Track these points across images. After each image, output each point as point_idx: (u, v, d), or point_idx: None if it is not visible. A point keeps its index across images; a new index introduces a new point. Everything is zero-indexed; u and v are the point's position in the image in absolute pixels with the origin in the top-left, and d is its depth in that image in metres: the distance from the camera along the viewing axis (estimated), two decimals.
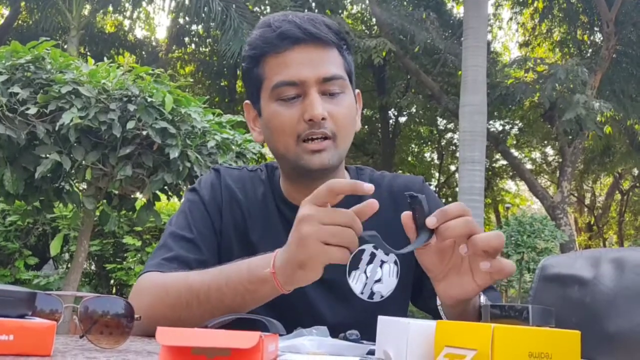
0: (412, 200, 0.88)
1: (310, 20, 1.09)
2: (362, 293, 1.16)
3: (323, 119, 1.06)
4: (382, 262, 1.18)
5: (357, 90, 1.21)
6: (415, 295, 1.23)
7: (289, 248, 0.87)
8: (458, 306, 0.94)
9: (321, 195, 0.85)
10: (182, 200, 1.28)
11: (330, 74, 1.08)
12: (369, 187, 0.84)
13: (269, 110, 1.11)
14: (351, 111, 1.13)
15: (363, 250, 1.18)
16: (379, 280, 1.17)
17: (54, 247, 4.99)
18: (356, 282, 1.16)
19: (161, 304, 0.99)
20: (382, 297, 1.17)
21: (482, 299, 1.01)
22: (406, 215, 0.89)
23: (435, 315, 1.16)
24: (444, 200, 1.34)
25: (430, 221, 0.85)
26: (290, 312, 1.08)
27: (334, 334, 0.90)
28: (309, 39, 1.07)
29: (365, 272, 1.17)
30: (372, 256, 1.18)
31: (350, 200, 1.19)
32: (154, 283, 1.04)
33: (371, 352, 0.83)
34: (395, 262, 1.19)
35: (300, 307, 1.12)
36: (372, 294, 1.16)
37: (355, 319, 1.12)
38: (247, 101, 1.20)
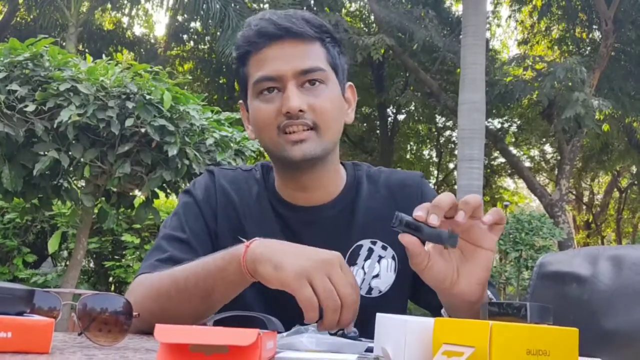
0: (400, 223, 0.84)
1: (287, 17, 1.11)
2: (360, 289, 1.16)
3: (301, 111, 1.08)
4: (380, 257, 1.18)
5: (349, 83, 1.22)
6: (415, 291, 1.23)
7: (283, 258, 0.88)
8: (484, 291, 0.92)
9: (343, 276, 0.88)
10: (177, 201, 1.28)
11: (306, 67, 1.09)
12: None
13: (253, 107, 1.13)
14: (334, 102, 1.13)
15: (361, 246, 1.18)
16: (376, 276, 1.17)
17: (52, 244, 4.98)
18: None
19: (150, 301, 1.00)
20: (380, 292, 1.17)
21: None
22: (409, 241, 0.85)
23: (434, 312, 1.17)
24: (437, 194, 1.32)
25: (433, 219, 0.83)
26: (288, 309, 1.08)
27: (340, 330, 0.90)
28: (285, 35, 1.10)
29: (363, 268, 1.17)
30: (370, 251, 1.18)
31: (345, 201, 1.20)
32: (144, 283, 1.05)
33: (369, 350, 0.83)
34: (393, 258, 1.19)
35: (297, 304, 1.13)
36: (370, 289, 1.17)
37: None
38: (240, 102, 1.23)
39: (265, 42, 1.10)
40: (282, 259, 0.87)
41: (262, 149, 4.73)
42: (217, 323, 0.85)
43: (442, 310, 0.99)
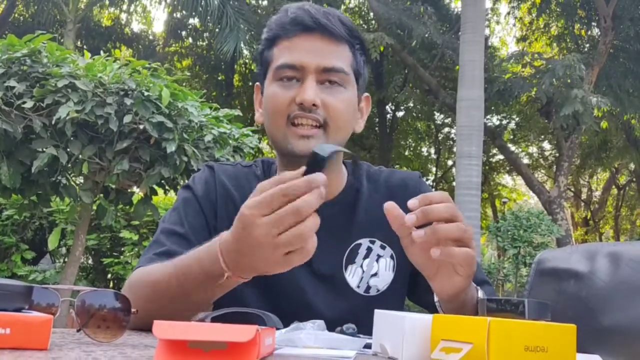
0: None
1: (325, 13, 1.11)
2: (358, 287, 1.17)
3: (314, 105, 1.08)
4: (379, 256, 1.18)
5: (366, 94, 1.22)
6: (411, 289, 1.24)
7: (243, 252, 0.83)
8: (454, 301, 0.95)
9: (272, 201, 0.78)
10: (177, 196, 1.28)
11: (331, 65, 1.10)
12: (322, 179, 0.78)
13: (269, 90, 1.13)
14: (349, 106, 1.13)
15: (360, 245, 1.18)
16: (375, 275, 1.18)
17: (52, 241, 4.98)
18: (352, 276, 1.17)
19: (142, 298, 0.98)
20: (378, 291, 1.17)
21: (480, 293, 1.01)
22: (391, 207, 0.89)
23: (432, 310, 1.17)
24: None
25: (412, 203, 0.86)
26: (286, 306, 1.08)
27: (330, 327, 0.90)
28: (318, 29, 1.10)
29: (361, 266, 1.17)
30: (369, 250, 1.18)
31: (346, 200, 1.20)
32: (139, 278, 1.05)
33: (368, 346, 0.84)
34: (392, 257, 1.19)
35: (296, 300, 1.13)
36: (368, 287, 1.17)
37: (351, 312, 1.13)
38: (257, 83, 1.23)
39: (297, 31, 1.10)
40: (249, 249, 0.83)
41: (260, 146, 4.73)
42: (215, 320, 0.85)
43: (436, 298, 1.01)
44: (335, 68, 1.10)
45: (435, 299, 1.01)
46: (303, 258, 0.81)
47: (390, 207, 0.89)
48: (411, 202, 0.86)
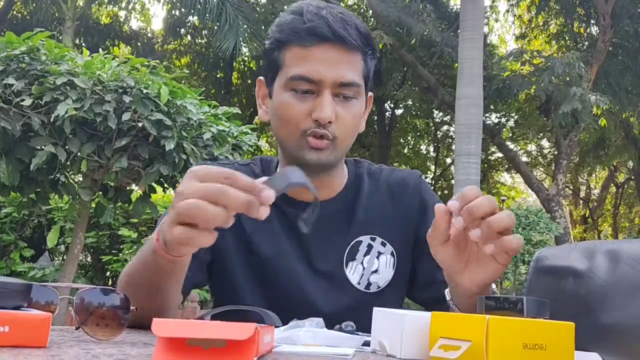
0: None
1: (342, 21, 1.08)
2: (359, 284, 1.17)
3: (330, 122, 1.07)
4: (379, 253, 1.19)
5: (370, 93, 1.21)
6: (410, 287, 1.24)
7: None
8: (483, 292, 0.92)
9: (214, 177, 0.75)
10: (173, 196, 1.27)
11: (347, 80, 1.08)
12: (270, 197, 0.74)
13: (281, 98, 1.11)
14: (358, 118, 1.14)
15: (360, 242, 1.19)
16: (375, 271, 1.18)
17: (51, 239, 4.98)
18: (353, 273, 1.17)
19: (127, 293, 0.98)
20: (378, 287, 1.18)
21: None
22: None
23: (429, 307, 1.17)
24: (439, 193, 1.34)
25: (453, 204, 0.83)
26: (286, 302, 1.08)
27: (331, 324, 0.90)
28: (336, 40, 1.07)
29: (362, 263, 1.18)
30: (369, 247, 1.19)
31: (347, 198, 1.20)
32: (123, 274, 1.04)
33: (367, 344, 0.84)
34: (392, 254, 1.20)
35: (297, 297, 1.13)
36: (368, 284, 1.17)
37: (352, 309, 1.13)
38: (261, 78, 1.20)
39: (313, 41, 1.07)
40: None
41: (259, 144, 4.72)
42: (214, 317, 0.85)
43: (446, 291, 1.00)
44: (351, 83, 1.09)
45: (448, 297, 0.99)
46: (189, 239, 0.75)
47: (440, 209, 0.86)
48: (451, 203, 0.84)
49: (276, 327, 0.79)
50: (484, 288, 0.92)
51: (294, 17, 1.10)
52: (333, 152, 1.10)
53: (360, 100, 1.13)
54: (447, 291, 1.00)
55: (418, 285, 1.22)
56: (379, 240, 1.19)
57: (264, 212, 0.73)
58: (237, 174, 0.74)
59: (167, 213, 1.17)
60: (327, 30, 1.06)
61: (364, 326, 0.90)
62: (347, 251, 1.17)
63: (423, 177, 1.31)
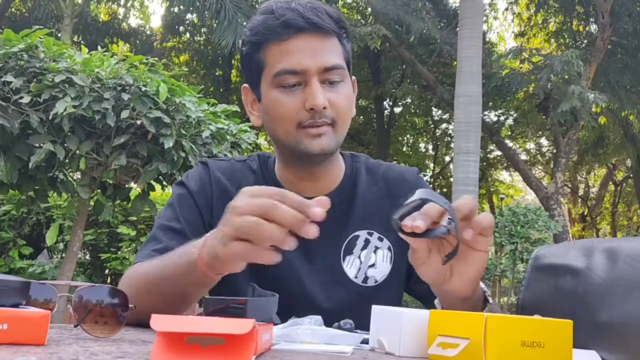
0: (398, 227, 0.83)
1: (313, 9, 1.09)
2: (356, 277, 1.18)
3: (324, 107, 1.08)
4: (376, 247, 1.20)
5: (353, 77, 1.22)
6: (407, 281, 1.24)
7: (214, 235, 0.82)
8: (476, 289, 0.93)
9: (266, 194, 0.77)
10: (171, 194, 1.27)
11: (331, 64, 1.09)
12: (319, 213, 0.74)
13: (270, 97, 1.11)
14: (350, 99, 1.15)
15: (358, 236, 1.19)
16: (372, 265, 1.19)
17: (50, 237, 4.98)
18: (350, 267, 1.18)
19: (136, 293, 0.98)
20: (376, 281, 1.18)
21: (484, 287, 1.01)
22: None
23: (426, 300, 1.17)
24: (438, 191, 1.35)
25: (420, 224, 0.81)
26: (285, 296, 1.08)
27: (328, 318, 0.91)
28: (311, 28, 1.08)
29: (359, 257, 1.18)
30: (366, 242, 1.19)
31: (344, 192, 1.21)
32: (132, 273, 1.05)
33: (365, 341, 0.84)
34: (389, 248, 1.20)
35: (294, 291, 1.14)
36: (366, 278, 1.18)
37: (349, 303, 1.14)
38: (245, 85, 1.20)
39: (290, 34, 1.08)
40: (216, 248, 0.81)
41: (258, 141, 4.73)
42: (215, 312, 0.84)
43: (436, 301, 1.00)
44: (335, 66, 1.09)
45: (439, 307, 1.00)
46: (246, 256, 0.77)
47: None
48: (419, 223, 0.81)
49: (275, 324, 0.79)
50: (475, 284, 0.92)
51: (265, 17, 1.11)
52: (334, 136, 1.11)
53: (347, 82, 1.14)
54: (437, 302, 0.99)
55: (414, 278, 1.23)
56: (376, 235, 1.20)
57: (312, 231, 0.73)
58: (287, 192, 0.76)
59: (166, 210, 1.18)
60: (301, 21, 1.07)
61: (362, 321, 0.90)
62: (344, 245, 1.18)
63: (421, 174, 1.31)
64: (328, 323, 0.89)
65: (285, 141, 1.12)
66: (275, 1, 1.12)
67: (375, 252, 1.19)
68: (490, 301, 1.00)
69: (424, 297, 1.23)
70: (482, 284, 1.00)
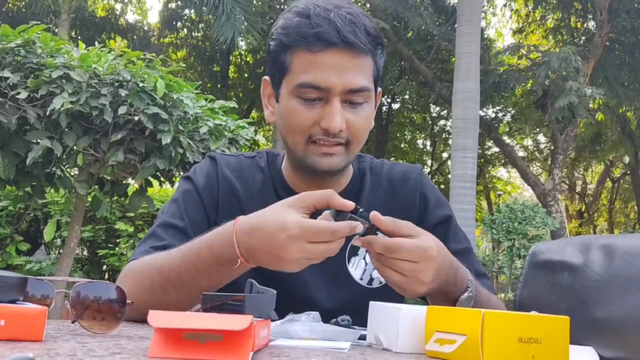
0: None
1: (351, 24, 1.03)
2: (361, 279, 1.17)
3: (340, 130, 1.05)
4: None
5: (379, 89, 1.18)
6: None
7: (261, 245, 0.88)
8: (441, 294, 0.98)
9: (314, 203, 0.88)
10: (176, 188, 1.26)
11: (357, 86, 1.05)
12: (355, 225, 0.87)
13: (288, 104, 1.08)
14: (369, 120, 1.11)
15: None
16: None
17: (48, 233, 4.98)
18: (355, 269, 1.17)
19: (140, 291, 0.98)
20: (380, 282, 1.18)
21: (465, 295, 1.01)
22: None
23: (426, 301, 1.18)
24: (436, 187, 1.34)
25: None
26: (288, 297, 1.08)
27: (331, 318, 0.91)
28: (345, 45, 1.03)
29: (364, 259, 1.18)
30: None
31: (349, 193, 1.20)
32: (134, 270, 1.04)
33: (362, 337, 0.84)
34: None
35: (299, 292, 1.13)
36: (371, 279, 1.18)
37: (354, 304, 1.13)
38: (266, 77, 1.16)
39: (321, 47, 1.03)
40: (277, 253, 0.87)
41: (256, 138, 4.72)
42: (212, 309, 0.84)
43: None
44: (360, 88, 1.05)
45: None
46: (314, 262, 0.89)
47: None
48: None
49: (272, 321, 0.79)
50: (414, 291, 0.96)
51: (300, 20, 1.05)
52: (346, 157, 1.09)
53: (370, 104, 1.10)
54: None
55: None
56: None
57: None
58: (337, 230, 0.86)
59: (170, 206, 1.17)
60: (335, 36, 1.02)
61: (366, 322, 0.90)
62: (349, 247, 1.17)
63: (424, 171, 1.31)
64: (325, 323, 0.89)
65: (294, 151, 1.11)
66: (315, 3, 1.06)
67: None
68: (467, 295, 1.00)
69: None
70: (469, 277, 1.01)
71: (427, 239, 0.92)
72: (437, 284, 0.93)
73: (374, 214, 0.89)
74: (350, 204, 0.87)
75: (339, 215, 0.88)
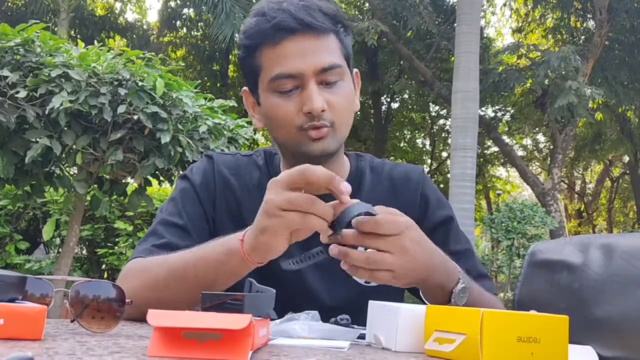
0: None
1: (305, 8, 1.06)
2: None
3: (322, 110, 1.06)
4: None
5: (355, 70, 1.19)
6: None
7: (255, 226, 0.89)
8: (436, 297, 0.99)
9: (293, 180, 0.86)
10: (174, 187, 1.27)
11: (328, 64, 1.07)
12: (345, 187, 0.86)
13: (268, 102, 1.10)
14: (349, 98, 1.13)
15: None
16: None
17: (47, 232, 4.98)
18: None
19: (143, 287, 0.99)
20: None
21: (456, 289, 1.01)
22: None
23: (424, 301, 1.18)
24: (437, 188, 1.35)
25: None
26: (288, 295, 1.08)
27: (332, 316, 0.91)
28: (305, 29, 1.06)
29: None
30: None
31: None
32: (138, 268, 1.05)
33: (362, 337, 0.84)
34: None
35: (298, 290, 1.13)
36: None
37: (353, 301, 1.13)
38: (245, 88, 1.19)
39: (283, 36, 1.05)
40: (263, 239, 0.89)
41: (255, 137, 4.72)
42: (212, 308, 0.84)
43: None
44: (332, 65, 1.07)
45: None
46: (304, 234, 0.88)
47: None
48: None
49: (272, 320, 0.79)
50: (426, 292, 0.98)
51: (257, 19, 1.08)
52: (334, 138, 1.10)
53: (347, 80, 1.12)
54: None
55: None
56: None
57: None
58: (315, 169, 0.85)
59: (169, 204, 1.18)
60: (293, 22, 1.05)
61: (365, 320, 0.90)
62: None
63: (426, 171, 1.31)
64: (327, 321, 0.89)
65: (287, 143, 1.12)
66: (267, 1, 1.09)
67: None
68: (460, 286, 1.00)
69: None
70: (458, 269, 1.00)
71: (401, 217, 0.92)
72: (427, 264, 0.92)
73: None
74: (330, 173, 0.86)
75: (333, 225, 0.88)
